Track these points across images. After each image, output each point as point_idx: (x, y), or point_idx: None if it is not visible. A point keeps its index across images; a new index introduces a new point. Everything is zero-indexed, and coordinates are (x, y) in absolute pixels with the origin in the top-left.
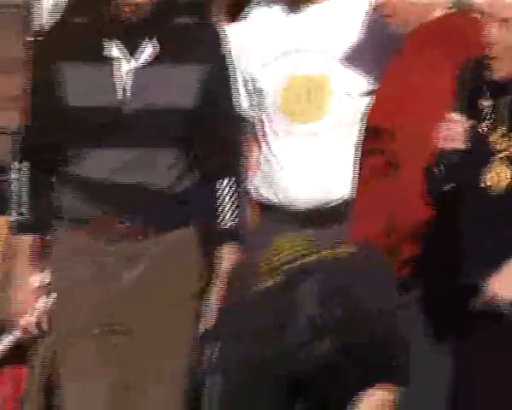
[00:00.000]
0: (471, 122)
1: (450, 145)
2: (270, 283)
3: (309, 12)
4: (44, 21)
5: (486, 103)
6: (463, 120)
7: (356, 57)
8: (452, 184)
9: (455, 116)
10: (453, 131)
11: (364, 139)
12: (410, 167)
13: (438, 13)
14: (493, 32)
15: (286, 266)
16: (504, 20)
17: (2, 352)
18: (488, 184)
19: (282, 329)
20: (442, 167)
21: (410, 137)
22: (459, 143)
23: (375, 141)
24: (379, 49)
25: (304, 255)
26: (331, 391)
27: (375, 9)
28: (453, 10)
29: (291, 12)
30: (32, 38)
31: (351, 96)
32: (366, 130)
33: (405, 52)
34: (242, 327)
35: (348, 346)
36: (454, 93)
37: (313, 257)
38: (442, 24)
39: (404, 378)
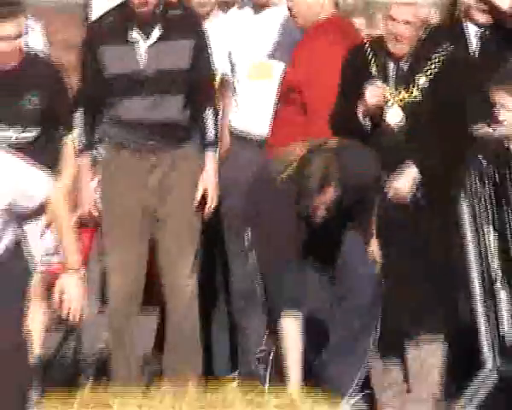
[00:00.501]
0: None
1: (376, 102)
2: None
3: (263, 14)
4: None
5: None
6: (384, 85)
7: (282, 46)
8: (369, 125)
9: (379, 83)
10: (378, 93)
11: (284, 94)
12: (316, 113)
13: (324, 14)
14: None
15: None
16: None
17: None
18: (387, 122)
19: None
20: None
21: (314, 95)
22: (381, 101)
23: (291, 96)
24: (291, 40)
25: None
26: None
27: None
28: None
29: (255, 12)
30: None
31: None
32: (286, 90)
33: (305, 41)
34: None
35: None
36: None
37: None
38: (330, 22)
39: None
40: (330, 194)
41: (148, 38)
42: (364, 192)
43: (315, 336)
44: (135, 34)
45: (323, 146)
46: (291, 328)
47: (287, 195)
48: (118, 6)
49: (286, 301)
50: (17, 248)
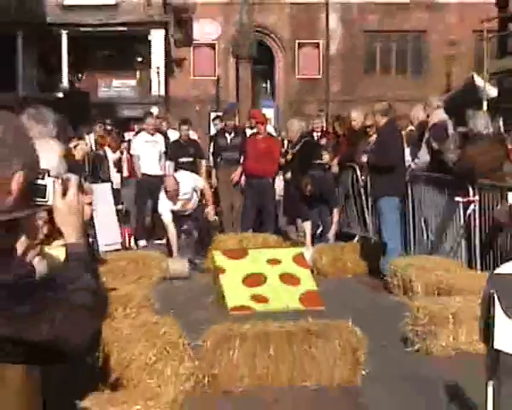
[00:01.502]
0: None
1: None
2: None
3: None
4: None
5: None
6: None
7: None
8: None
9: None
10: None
11: (259, 152)
12: (276, 160)
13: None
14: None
15: None
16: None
17: None
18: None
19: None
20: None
21: (274, 154)
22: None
23: (263, 153)
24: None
25: None
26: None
27: None
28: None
29: None
30: None
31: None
32: (260, 150)
33: (261, 136)
34: None
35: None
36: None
37: None
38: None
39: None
40: (309, 188)
41: (230, 135)
42: (324, 188)
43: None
44: (227, 135)
45: (308, 174)
46: (307, 223)
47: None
48: (223, 127)
49: (303, 215)
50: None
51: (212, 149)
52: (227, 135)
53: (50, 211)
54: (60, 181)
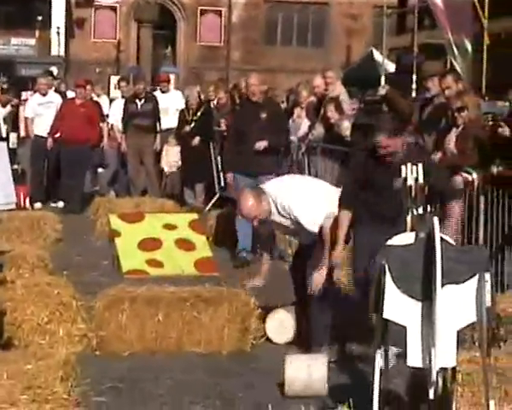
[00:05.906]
0: None
1: None
2: None
3: (167, 94)
4: None
5: None
6: None
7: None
8: None
9: None
10: None
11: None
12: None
13: None
14: None
15: None
16: None
17: None
18: None
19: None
20: None
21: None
22: None
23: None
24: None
25: None
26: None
27: None
28: None
29: (161, 93)
30: None
31: None
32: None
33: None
34: None
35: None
36: None
37: None
38: None
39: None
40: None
41: (140, 101)
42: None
43: None
44: (137, 101)
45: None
46: None
47: None
48: (134, 93)
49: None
50: None
51: (121, 115)
52: (137, 101)
53: None
54: None
